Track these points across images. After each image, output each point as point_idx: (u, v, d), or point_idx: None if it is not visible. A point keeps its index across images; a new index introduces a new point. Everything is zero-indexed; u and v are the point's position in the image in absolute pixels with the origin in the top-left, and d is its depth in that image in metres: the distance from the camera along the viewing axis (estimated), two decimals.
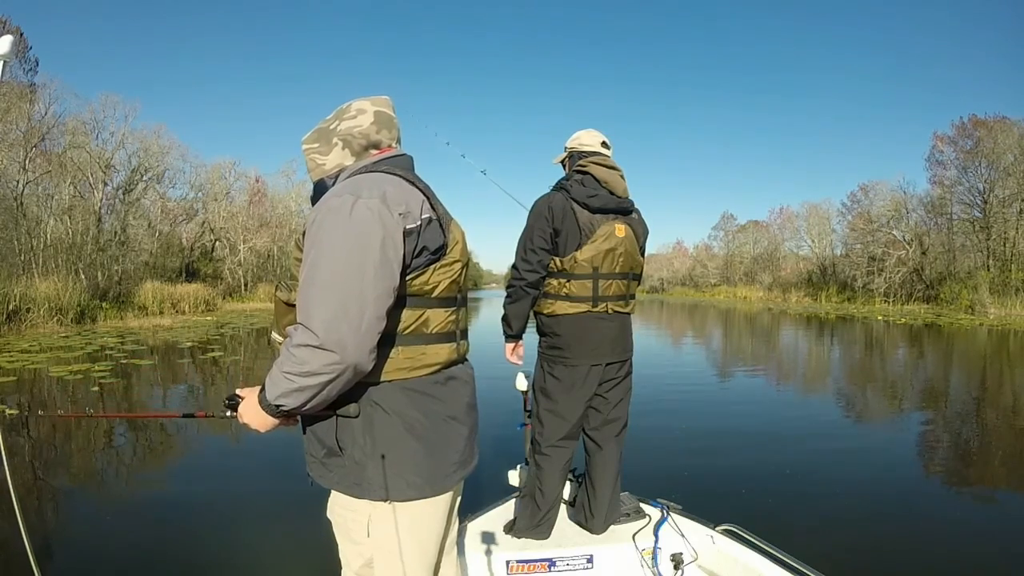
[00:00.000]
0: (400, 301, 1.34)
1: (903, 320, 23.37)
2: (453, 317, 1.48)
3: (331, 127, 1.51)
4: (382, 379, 1.36)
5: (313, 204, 1.43)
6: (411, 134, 1.78)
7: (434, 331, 1.42)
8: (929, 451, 5.83)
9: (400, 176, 1.42)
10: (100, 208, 24.60)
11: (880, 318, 24.75)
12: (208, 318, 20.98)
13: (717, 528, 2.48)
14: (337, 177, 1.49)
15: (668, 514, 2.60)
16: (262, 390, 1.30)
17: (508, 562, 2.38)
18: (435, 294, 1.41)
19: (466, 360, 1.59)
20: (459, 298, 1.52)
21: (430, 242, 1.38)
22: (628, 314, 2.64)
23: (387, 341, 1.34)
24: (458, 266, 1.48)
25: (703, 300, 47.38)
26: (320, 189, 1.50)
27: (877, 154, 77.12)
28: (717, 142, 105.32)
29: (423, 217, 1.37)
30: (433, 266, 1.40)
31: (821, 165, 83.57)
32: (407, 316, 1.38)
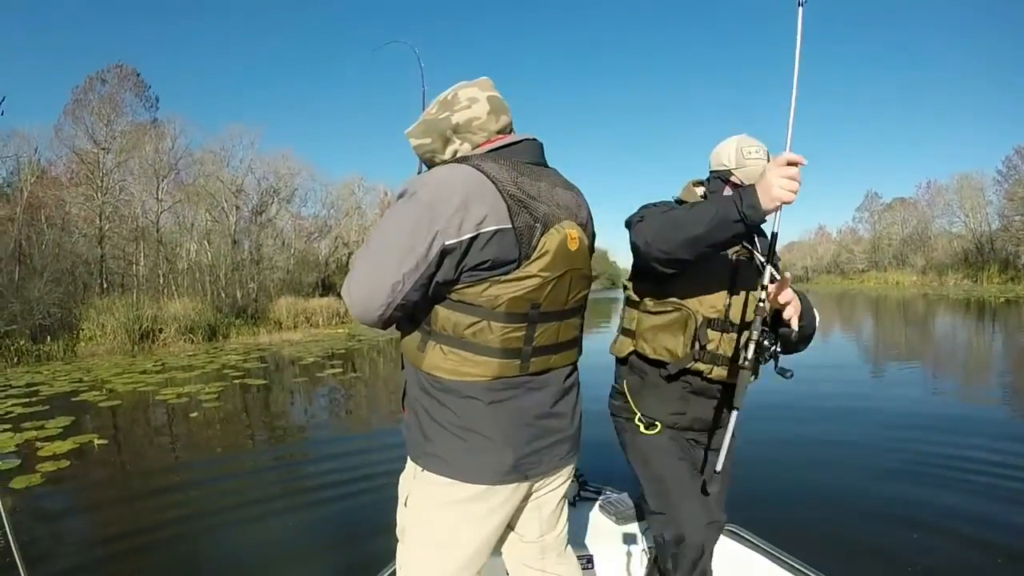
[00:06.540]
0: (436, 300, 1.31)
1: None
2: (521, 334, 1.32)
3: (440, 117, 1.40)
4: (423, 368, 1.35)
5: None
6: None
7: (487, 343, 1.30)
8: None
9: (486, 174, 1.28)
10: (235, 231, 25.61)
11: None
12: (340, 331, 20.72)
13: None
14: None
15: None
16: None
17: None
18: (495, 307, 1.29)
19: (547, 372, 1.39)
20: (537, 314, 1.33)
21: (488, 255, 1.26)
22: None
23: (425, 334, 1.34)
24: (535, 281, 1.30)
25: (851, 288, 42.63)
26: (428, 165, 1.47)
27: None
28: (856, 117, 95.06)
29: (486, 230, 1.24)
30: (491, 279, 1.28)
31: (969, 131, 72.33)
32: (448, 317, 1.31)
